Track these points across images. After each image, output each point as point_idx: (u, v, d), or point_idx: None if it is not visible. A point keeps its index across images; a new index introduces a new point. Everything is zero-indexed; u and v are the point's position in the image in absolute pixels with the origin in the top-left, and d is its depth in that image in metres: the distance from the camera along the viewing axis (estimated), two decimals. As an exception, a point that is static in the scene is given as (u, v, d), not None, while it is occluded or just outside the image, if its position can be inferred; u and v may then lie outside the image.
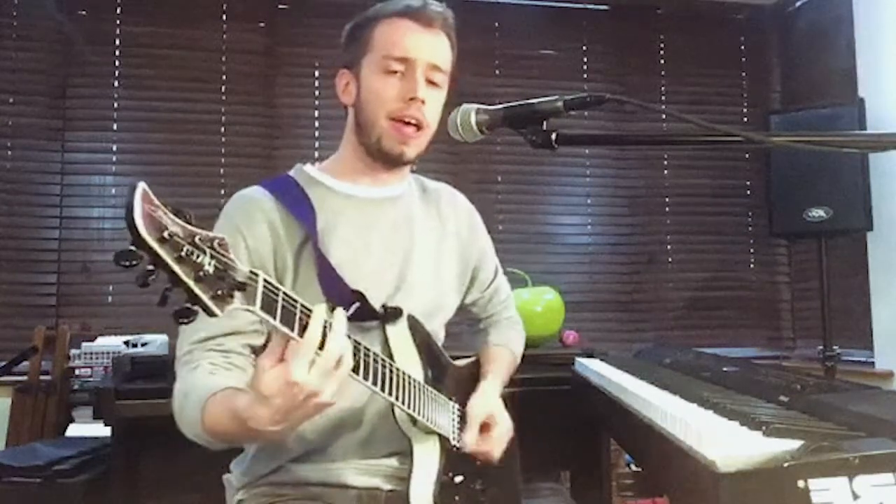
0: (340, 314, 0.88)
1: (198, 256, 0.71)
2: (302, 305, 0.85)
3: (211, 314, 0.73)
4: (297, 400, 0.83)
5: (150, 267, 0.68)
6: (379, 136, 1.18)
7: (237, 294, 0.76)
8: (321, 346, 0.84)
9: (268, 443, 1.04)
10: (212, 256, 0.73)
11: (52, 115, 3.05)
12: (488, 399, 1.24)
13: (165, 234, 0.68)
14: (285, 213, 1.16)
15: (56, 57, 3.07)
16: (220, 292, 0.74)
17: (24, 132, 3.02)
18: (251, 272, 0.79)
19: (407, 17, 1.17)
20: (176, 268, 0.69)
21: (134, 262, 0.67)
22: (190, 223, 0.72)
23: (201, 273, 0.72)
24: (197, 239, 0.72)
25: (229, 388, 0.96)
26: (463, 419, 1.25)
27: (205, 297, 0.72)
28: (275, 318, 0.81)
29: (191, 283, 0.71)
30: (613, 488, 2.72)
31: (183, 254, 0.70)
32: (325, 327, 0.85)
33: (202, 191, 3.11)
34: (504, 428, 1.23)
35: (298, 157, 1.32)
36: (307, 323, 0.84)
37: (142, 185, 0.67)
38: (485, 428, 1.20)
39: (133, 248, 0.67)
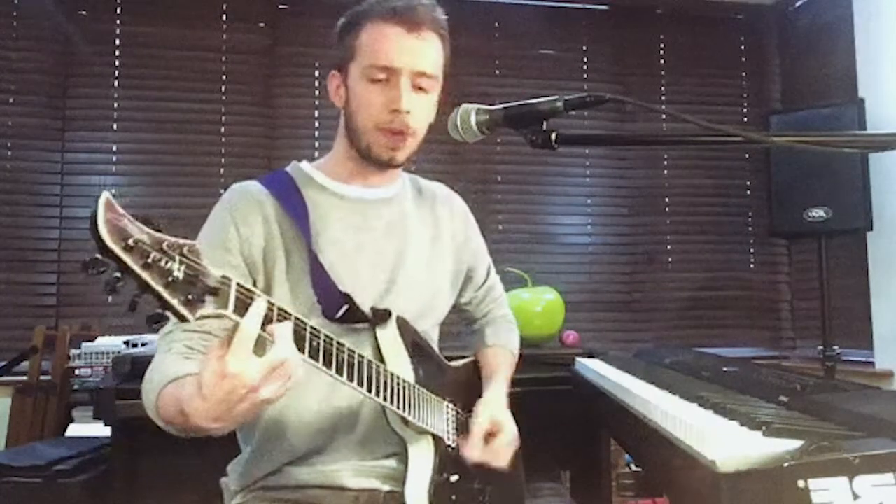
0: (282, 326, 0.85)
1: (166, 262, 0.72)
2: (279, 308, 0.85)
3: (182, 319, 0.74)
4: (235, 395, 0.80)
5: (117, 274, 0.69)
6: (368, 144, 1.18)
7: (209, 299, 0.76)
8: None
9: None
10: (181, 262, 0.74)
11: (52, 115, 3.05)
12: (492, 406, 1.23)
13: (131, 242, 0.69)
14: (280, 210, 1.17)
15: (56, 57, 3.07)
16: (190, 297, 0.74)
17: (24, 132, 3.02)
18: (223, 277, 0.79)
19: (393, 21, 1.14)
20: (143, 274, 0.70)
21: (101, 270, 0.68)
22: (158, 230, 0.73)
23: (170, 279, 0.72)
24: (165, 245, 0.72)
25: (188, 376, 0.94)
26: (459, 419, 1.26)
27: (175, 302, 0.73)
28: None
29: (160, 288, 0.71)
30: (613, 488, 2.72)
31: (150, 260, 0.70)
32: (271, 317, 0.84)
33: (202, 191, 3.11)
34: (509, 436, 1.21)
35: (298, 157, 1.31)
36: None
37: (105, 195, 0.68)
38: (489, 436, 1.19)
39: (99, 256, 0.68)
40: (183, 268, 0.74)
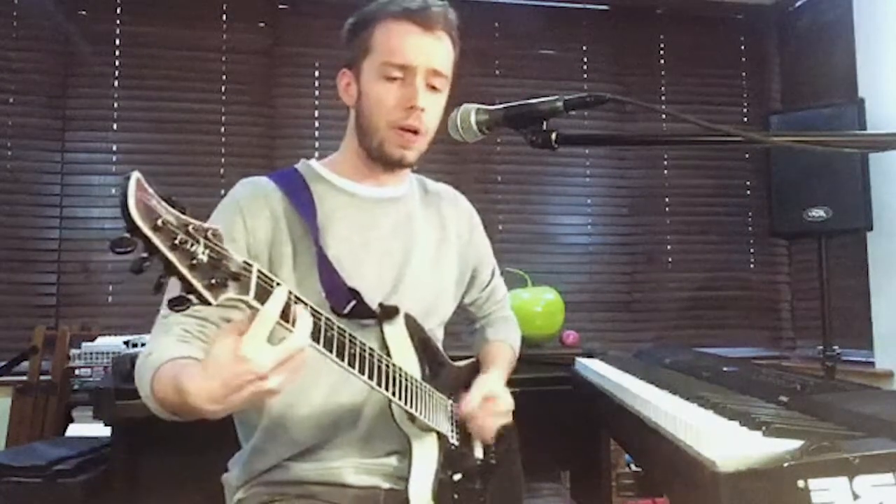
0: (305, 314, 0.86)
1: (192, 245, 0.72)
2: (296, 297, 0.85)
3: (205, 302, 0.74)
4: (241, 379, 0.80)
5: (145, 254, 0.69)
6: (380, 142, 1.18)
7: (231, 284, 0.77)
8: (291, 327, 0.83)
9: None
10: (206, 246, 0.74)
11: (52, 115, 3.05)
12: (492, 379, 1.26)
13: (159, 222, 0.69)
14: (288, 205, 1.17)
15: (56, 57, 3.07)
16: (214, 281, 0.74)
17: (24, 132, 3.01)
18: (245, 263, 0.79)
19: (407, 20, 1.15)
20: (170, 255, 0.70)
21: (129, 249, 0.68)
22: (184, 213, 0.73)
23: (195, 261, 0.72)
24: (191, 228, 0.73)
25: (187, 358, 0.94)
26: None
27: (199, 286, 0.73)
28: None
29: (185, 270, 0.71)
30: (613, 488, 2.72)
31: (177, 241, 0.70)
32: (289, 308, 0.84)
33: (202, 191, 3.11)
34: (504, 406, 1.23)
35: (298, 157, 1.32)
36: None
37: (136, 174, 0.68)
38: (486, 401, 1.20)
39: (128, 235, 0.68)
40: (207, 251, 0.74)
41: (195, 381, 0.83)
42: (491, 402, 1.20)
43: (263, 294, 0.81)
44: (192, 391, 0.83)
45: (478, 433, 1.22)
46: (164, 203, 0.71)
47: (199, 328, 1.07)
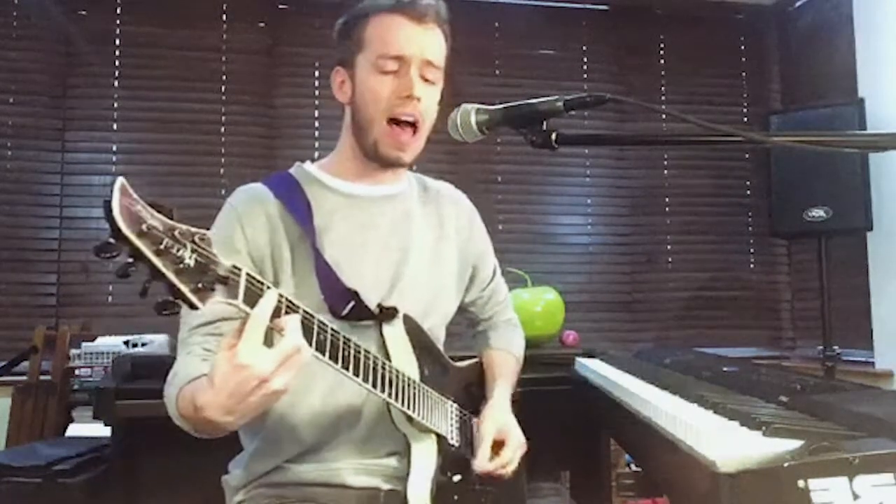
0: (292, 316, 0.86)
1: (178, 250, 0.72)
2: (287, 300, 0.85)
3: (192, 307, 0.74)
4: (247, 386, 0.81)
5: (130, 259, 0.69)
6: (376, 140, 1.18)
7: (219, 287, 0.77)
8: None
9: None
10: (193, 250, 0.74)
11: (52, 115, 3.05)
12: (499, 413, 1.24)
13: (144, 228, 0.69)
14: (283, 210, 1.17)
15: (56, 57, 3.07)
16: (201, 285, 0.74)
17: (24, 132, 3.01)
18: (234, 266, 0.79)
19: (399, 13, 1.16)
20: (155, 260, 0.70)
21: (114, 254, 0.69)
22: (171, 218, 0.73)
23: (181, 266, 0.73)
24: (177, 233, 0.73)
25: (204, 375, 0.95)
26: (462, 419, 1.25)
27: (185, 290, 0.73)
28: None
29: (171, 275, 0.72)
30: (613, 488, 2.72)
31: (162, 247, 0.71)
32: (280, 310, 0.84)
33: (202, 191, 3.11)
34: (516, 443, 1.22)
35: (298, 157, 1.32)
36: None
37: (121, 180, 0.68)
38: (497, 446, 1.19)
39: (112, 240, 0.68)
40: (194, 255, 0.74)
41: (206, 395, 0.84)
42: (501, 448, 1.19)
43: (253, 297, 0.81)
44: (205, 405, 0.85)
45: (497, 479, 1.21)
46: (149, 208, 0.71)
47: (218, 344, 1.07)
